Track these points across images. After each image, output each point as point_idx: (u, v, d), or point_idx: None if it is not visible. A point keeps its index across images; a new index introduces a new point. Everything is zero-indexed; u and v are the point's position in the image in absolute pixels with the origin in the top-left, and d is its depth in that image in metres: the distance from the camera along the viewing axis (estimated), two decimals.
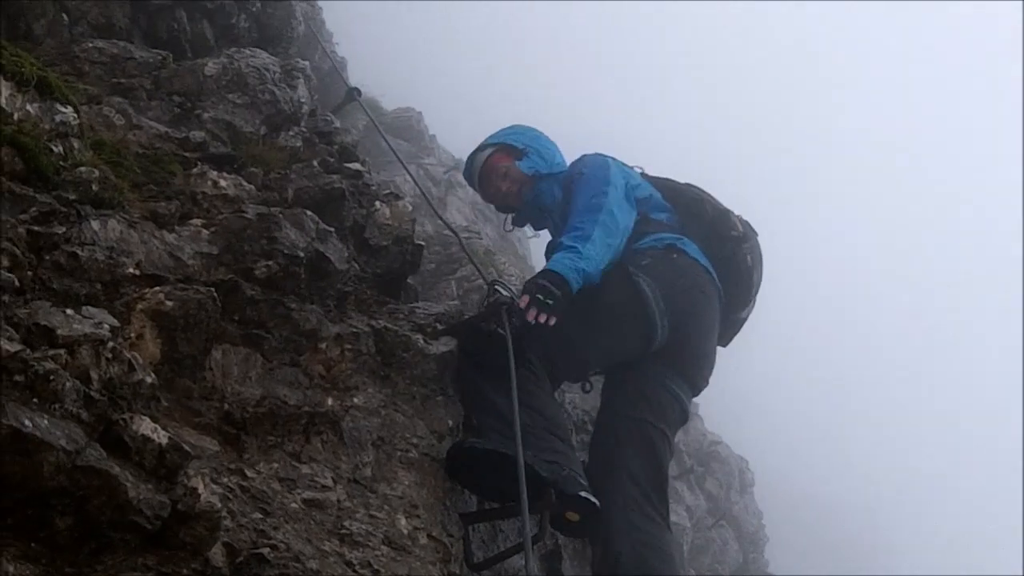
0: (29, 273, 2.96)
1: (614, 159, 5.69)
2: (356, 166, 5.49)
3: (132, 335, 3.44)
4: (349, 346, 4.47)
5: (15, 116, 3.43)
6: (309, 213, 4.50)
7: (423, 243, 5.68)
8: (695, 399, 11.65)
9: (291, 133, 5.49)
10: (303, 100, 5.93)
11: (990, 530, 40.97)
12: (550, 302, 4.78)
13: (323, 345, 4.35)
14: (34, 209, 3.20)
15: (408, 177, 9.72)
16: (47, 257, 3.17)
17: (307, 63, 6.65)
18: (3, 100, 3.46)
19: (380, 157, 10.96)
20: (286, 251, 4.21)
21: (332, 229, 4.63)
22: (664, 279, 5.09)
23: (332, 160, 5.45)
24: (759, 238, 5.67)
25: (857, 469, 41.16)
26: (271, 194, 4.82)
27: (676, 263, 5.23)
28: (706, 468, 13.70)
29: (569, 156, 6.00)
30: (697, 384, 5.35)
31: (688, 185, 5.84)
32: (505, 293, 5.15)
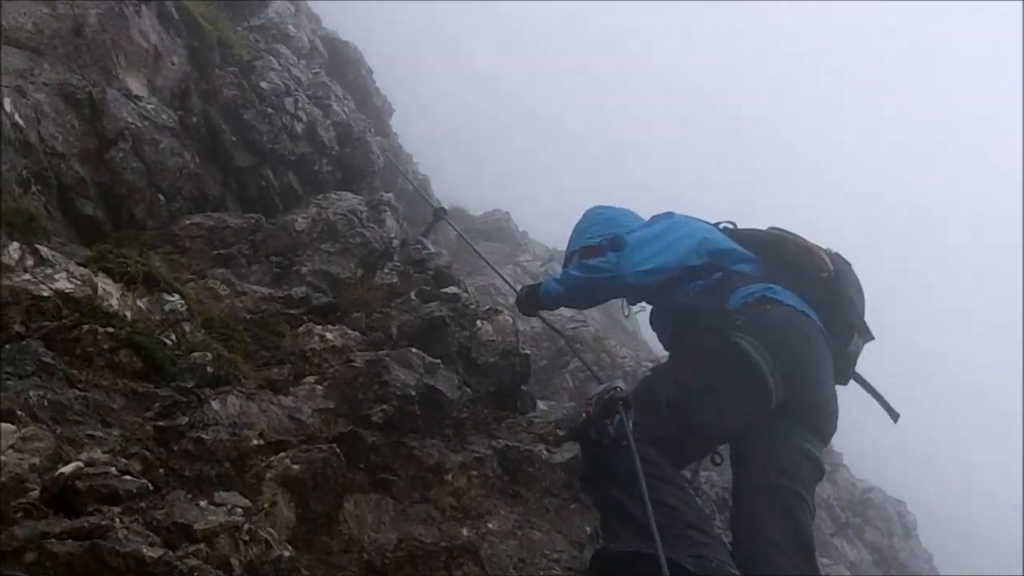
0: (161, 471, 3.10)
1: (686, 216, 5.70)
2: (453, 289, 5.62)
3: (266, 504, 3.55)
4: (475, 472, 4.52)
5: (128, 316, 3.62)
6: (415, 350, 4.60)
7: (529, 352, 5.74)
8: (838, 450, 11.35)
9: (386, 270, 5.65)
10: (392, 234, 6.11)
11: None
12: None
13: (449, 476, 4.41)
14: (157, 404, 3.36)
15: (506, 278, 9.87)
16: (175, 448, 3.31)
17: (391, 195, 6.88)
18: (115, 302, 3.66)
19: (476, 262, 11.13)
20: (398, 392, 4.31)
21: (439, 361, 4.73)
22: (764, 333, 4.97)
23: (428, 288, 5.58)
24: (852, 267, 5.51)
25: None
26: (376, 334, 4.96)
27: (771, 314, 5.11)
28: (863, 518, 13.22)
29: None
30: (825, 431, 5.15)
31: (770, 230, 5.75)
32: (622, 387, 5.14)
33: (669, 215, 5.75)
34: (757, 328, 5.00)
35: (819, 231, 5.73)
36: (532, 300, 5.92)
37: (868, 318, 5.43)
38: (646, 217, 5.96)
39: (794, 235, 5.60)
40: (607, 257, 5.46)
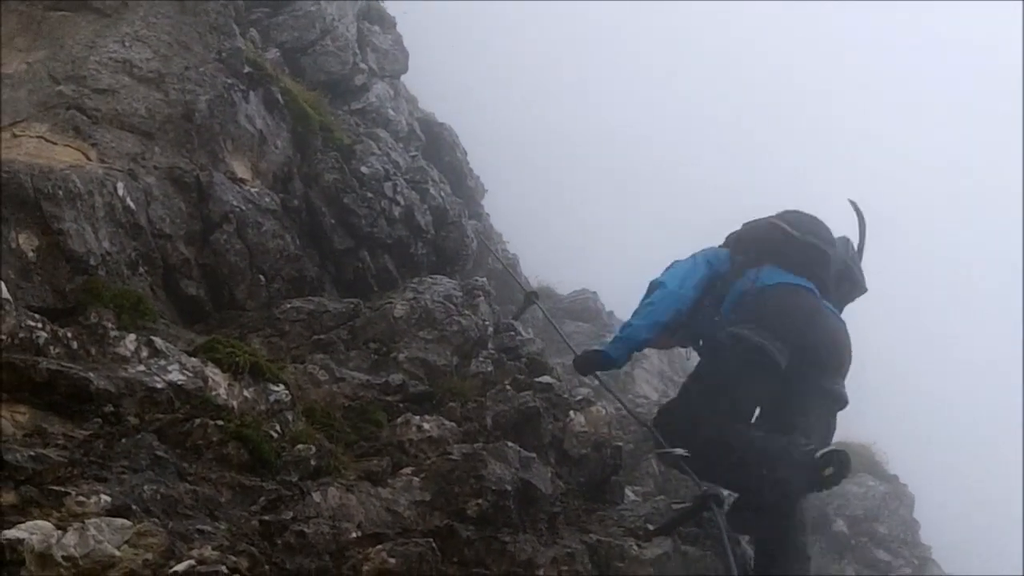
0: (266, 567, 3.14)
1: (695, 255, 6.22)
2: (546, 379, 5.65)
3: None
4: (565, 567, 4.49)
5: (235, 407, 3.71)
6: (511, 444, 4.62)
7: (621, 443, 5.72)
8: (926, 543, 11.26)
9: (480, 358, 5.71)
10: (486, 321, 6.17)
11: None
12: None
13: (540, 572, 4.38)
14: (262, 499, 3.42)
15: None
16: (279, 541, 3.36)
17: (484, 279, 6.96)
18: (223, 392, 3.74)
19: (563, 343, 11.10)
20: (494, 487, 4.32)
21: (534, 455, 4.73)
22: (755, 318, 5.57)
23: (522, 377, 5.61)
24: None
25: None
26: (471, 424, 4.99)
27: (751, 301, 5.73)
28: None
29: None
30: (838, 365, 5.73)
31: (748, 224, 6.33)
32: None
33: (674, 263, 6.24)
34: (748, 317, 5.62)
35: None
36: (591, 360, 6.10)
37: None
38: None
39: (765, 216, 6.24)
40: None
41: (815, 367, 5.57)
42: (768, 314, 5.61)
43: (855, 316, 6.15)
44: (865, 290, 6.24)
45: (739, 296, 5.83)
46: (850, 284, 6.11)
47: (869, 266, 6.31)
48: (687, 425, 5.45)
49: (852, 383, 6.31)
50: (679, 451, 5.32)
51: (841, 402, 5.74)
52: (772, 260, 5.91)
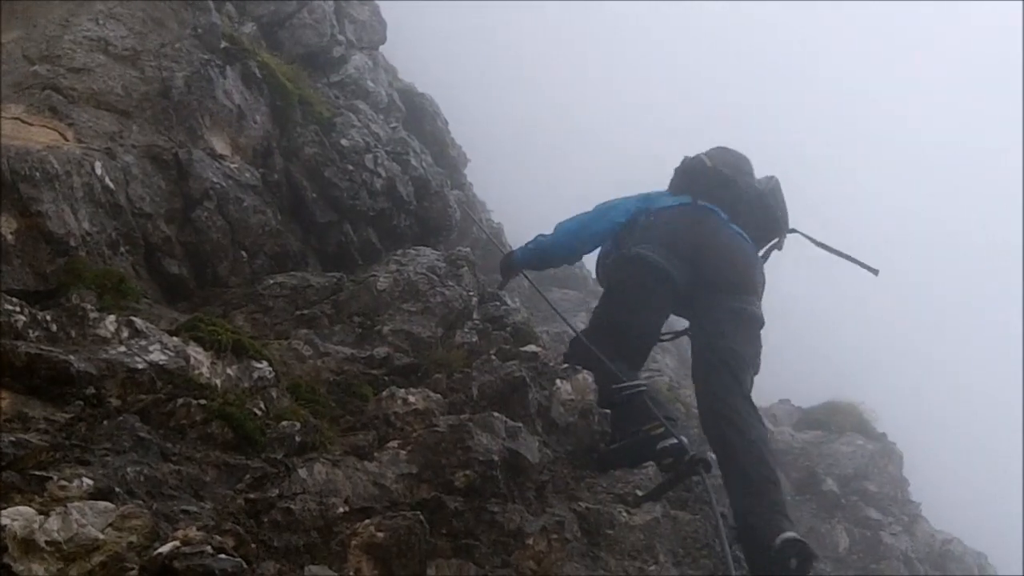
0: (253, 545, 3.14)
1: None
2: (531, 348, 5.65)
3: (351, 573, 3.57)
4: (555, 535, 4.50)
5: (218, 385, 3.70)
6: (497, 414, 4.61)
7: (609, 411, 5.72)
8: (916, 500, 11.48)
9: (466, 329, 5.70)
10: (471, 291, 6.16)
11: None
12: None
13: (530, 541, 4.39)
14: (248, 476, 3.42)
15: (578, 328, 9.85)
16: (265, 519, 3.36)
17: (468, 249, 6.95)
18: (206, 371, 3.73)
19: (551, 308, 11.12)
20: (481, 458, 4.32)
21: (520, 425, 4.73)
22: (655, 238, 5.98)
23: (508, 347, 5.60)
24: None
25: None
26: (457, 395, 4.99)
27: (653, 222, 6.19)
28: (942, 572, 12.86)
29: None
30: (746, 285, 6.00)
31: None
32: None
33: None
34: (648, 237, 6.04)
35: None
36: (507, 263, 7.09)
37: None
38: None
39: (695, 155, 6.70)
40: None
41: (717, 284, 5.88)
42: (664, 232, 6.01)
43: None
44: (786, 230, 6.61)
45: (638, 220, 6.29)
46: (768, 218, 6.48)
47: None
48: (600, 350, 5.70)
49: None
50: (639, 382, 5.57)
51: (757, 321, 5.97)
52: (686, 190, 6.39)
